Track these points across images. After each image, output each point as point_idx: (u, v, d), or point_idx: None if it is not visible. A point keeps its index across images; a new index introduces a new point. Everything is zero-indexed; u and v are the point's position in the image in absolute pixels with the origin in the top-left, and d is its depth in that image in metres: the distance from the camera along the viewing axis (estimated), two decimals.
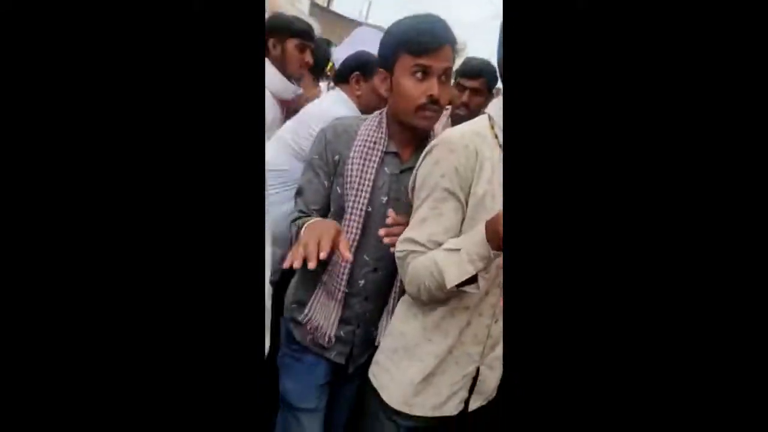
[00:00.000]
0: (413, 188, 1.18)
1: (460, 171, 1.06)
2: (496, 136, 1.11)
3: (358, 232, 1.26)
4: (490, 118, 1.14)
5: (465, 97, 2.09)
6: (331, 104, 1.81)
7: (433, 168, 1.09)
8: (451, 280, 1.02)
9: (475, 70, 2.10)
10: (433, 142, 1.13)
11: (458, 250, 1.03)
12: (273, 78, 2.01)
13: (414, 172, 1.18)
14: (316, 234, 1.04)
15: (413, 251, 1.12)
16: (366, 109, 1.80)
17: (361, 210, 1.26)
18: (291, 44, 2.04)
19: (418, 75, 1.20)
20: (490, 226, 1.00)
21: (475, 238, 1.02)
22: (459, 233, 1.10)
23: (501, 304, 1.14)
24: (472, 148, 1.07)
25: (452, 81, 2.32)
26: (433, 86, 1.20)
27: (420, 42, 1.18)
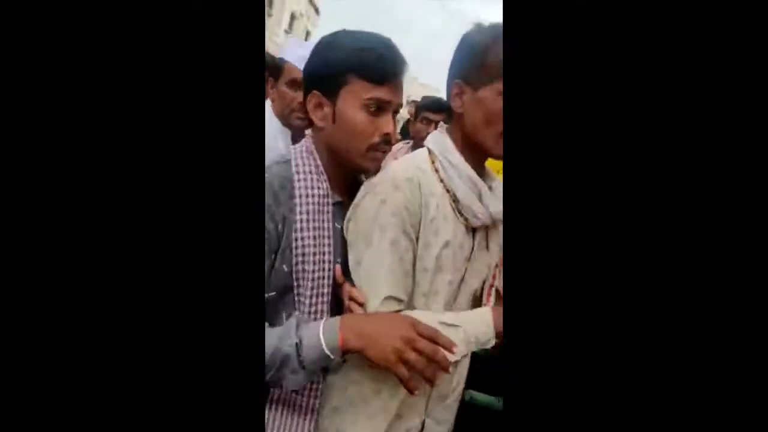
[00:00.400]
0: (348, 228, 1.01)
1: (409, 208, 0.96)
2: (437, 171, 1.03)
3: (328, 311, 0.97)
4: (430, 152, 1.05)
5: (432, 129, 2.20)
6: None
7: (380, 208, 0.96)
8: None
9: (438, 103, 2.28)
10: (374, 179, 1.00)
11: (457, 326, 0.93)
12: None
13: (352, 210, 1.00)
14: (406, 341, 0.83)
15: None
16: (280, 114, 1.75)
17: (329, 284, 0.97)
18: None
19: (372, 109, 0.98)
20: (498, 316, 0.95)
21: (482, 318, 0.96)
22: (413, 275, 0.99)
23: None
24: (416, 182, 0.98)
25: (416, 115, 2.47)
26: (388, 123, 1.00)
27: (381, 69, 0.97)
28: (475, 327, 0.94)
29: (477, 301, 1.08)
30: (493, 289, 1.07)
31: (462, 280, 1.03)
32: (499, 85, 0.96)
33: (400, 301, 0.95)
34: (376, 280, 0.95)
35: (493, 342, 0.95)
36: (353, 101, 0.98)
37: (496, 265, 1.09)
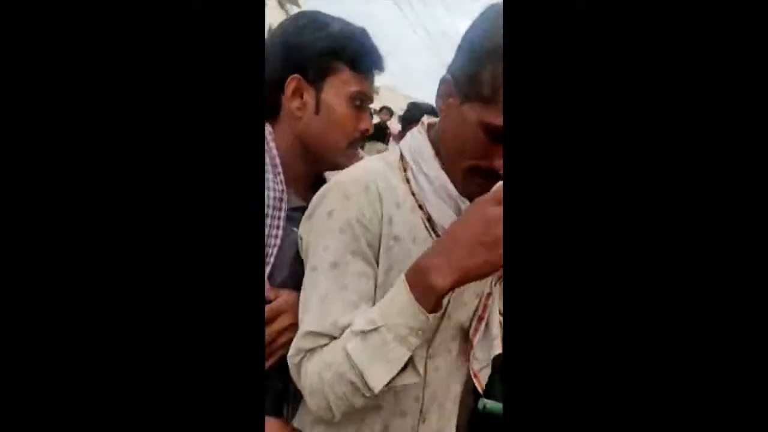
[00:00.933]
0: (300, 246, 0.84)
1: (363, 222, 0.77)
2: (408, 181, 0.82)
3: None
4: (402, 157, 0.84)
5: None
6: None
7: (327, 222, 0.78)
8: (380, 379, 0.69)
9: (430, 110, 2.26)
10: (325, 186, 0.82)
11: (377, 328, 0.70)
12: None
13: (304, 222, 0.83)
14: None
15: (311, 349, 0.76)
16: None
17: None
18: None
19: (357, 102, 0.91)
20: (416, 276, 0.70)
21: (398, 301, 0.70)
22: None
23: (432, 391, 0.85)
24: (374, 190, 0.78)
25: (404, 124, 2.43)
26: (367, 119, 0.94)
27: (370, 61, 0.92)
28: (399, 313, 0.69)
29: (464, 336, 0.87)
30: (483, 322, 0.86)
31: (444, 313, 0.80)
32: (485, 112, 0.72)
33: (329, 337, 0.75)
34: (304, 310, 0.78)
35: (431, 318, 0.69)
36: (341, 92, 0.90)
37: (489, 294, 0.86)
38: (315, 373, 0.74)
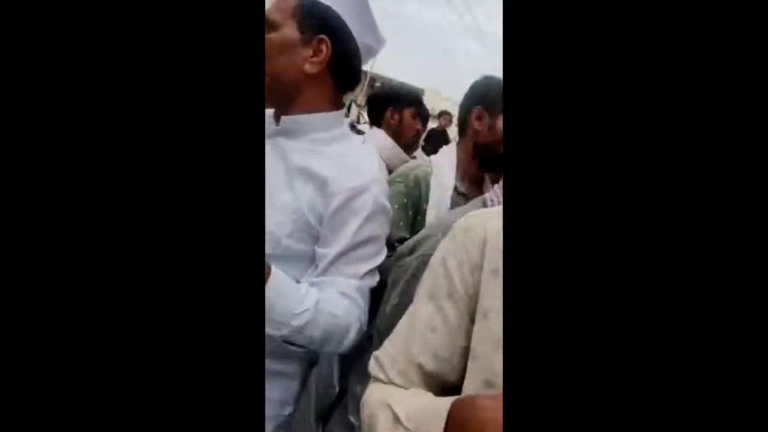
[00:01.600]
0: None
1: (448, 266, 0.72)
2: None
3: None
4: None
5: None
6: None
7: (435, 256, 0.76)
8: None
9: None
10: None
11: (409, 429, 0.65)
12: (386, 146, 1.93)
13: None
14: None
15: (376, 378, 0.75)
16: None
17: None
18: (408, 113, 2.09)
19: None
20: (461, 415, 0.61)
21: (434, 422, 0.62)
22: (458, 358, 0.71)
23: None
24: (477, 233, 0.71)
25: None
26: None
27: None
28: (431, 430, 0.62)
29: None
30: None
31: None
32: None
33: (380, 367, 0.74)
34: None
35: None
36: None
37: None
38: (364, 406, 0.73)
